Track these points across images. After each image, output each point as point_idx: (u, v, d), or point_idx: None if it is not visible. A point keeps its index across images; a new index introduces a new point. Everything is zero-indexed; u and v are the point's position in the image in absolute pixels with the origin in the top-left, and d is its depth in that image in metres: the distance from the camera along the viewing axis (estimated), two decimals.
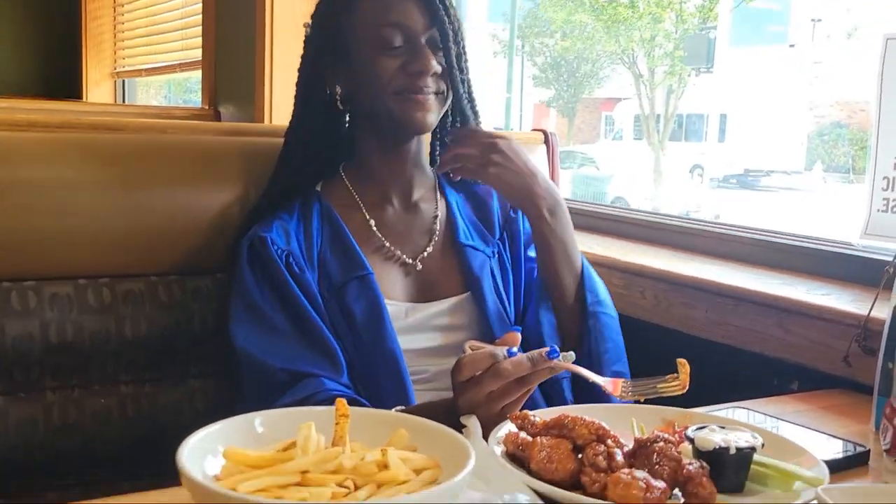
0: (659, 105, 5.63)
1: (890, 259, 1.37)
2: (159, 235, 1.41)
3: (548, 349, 1.00)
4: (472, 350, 1.04)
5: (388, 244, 1.36)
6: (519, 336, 1.07)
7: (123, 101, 4.73)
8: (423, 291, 1.36)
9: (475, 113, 1.42)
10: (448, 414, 1.04)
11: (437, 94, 1.32)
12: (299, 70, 1.41)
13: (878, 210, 1.49)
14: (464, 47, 1.37)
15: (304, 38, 1.41)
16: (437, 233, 1.40)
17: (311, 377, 1.20)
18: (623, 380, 1.06)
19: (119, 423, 1.36)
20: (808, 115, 5.56)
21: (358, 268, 1.31)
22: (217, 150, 1.48)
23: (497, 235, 1.44)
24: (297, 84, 1.42)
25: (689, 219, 1.84)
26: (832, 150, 5.33)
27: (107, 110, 3.44)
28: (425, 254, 1.38)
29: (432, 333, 1.34)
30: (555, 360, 1.00)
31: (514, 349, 1.03)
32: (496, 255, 1.42)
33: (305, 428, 0.84)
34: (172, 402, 1.41)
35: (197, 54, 3.37)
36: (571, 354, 1.02)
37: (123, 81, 4.75)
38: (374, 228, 1.37)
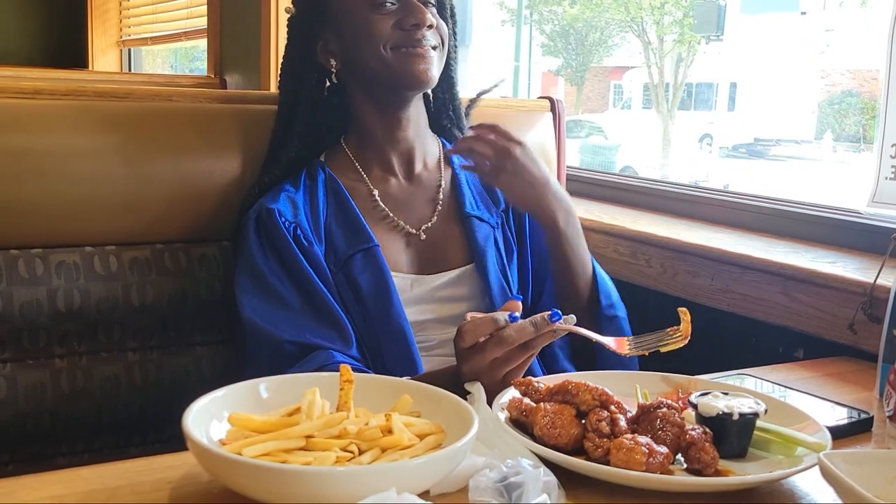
0: (668, 73, 5.58)
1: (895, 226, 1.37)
2: (165, 203, 1.41)
3: (549, 312, 1.00)
4: (473, 317, 1.04)
5: (391, 215, 1.36)
6: (520, 304, 1.07)
7: (129, 70, 4.71)
8: (428, 262, 1.36)
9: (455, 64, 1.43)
10: (453, 381, 1.05)
11: (434, 48, 1.31)
12: (286, 51, 1.41)
13: (886, 178, 1.47)
14: (453, 3, 1.39)
15: (287, 21, 1.41)
16: (441, 202, 1.39)
17: (320, 349, 1.21)
18: (627, 337, 1.06)
19: (126, 389, 1.37)
20: (818, 83, 5.51)
21: (363, 240, 1.31)
22: (223, 118, 1.48)
23: (501, 206, 1.44)
24: (285, 65, 1.41)
25: (695, 187, 1.83)
26: (842, 120, 5.29)
27: (112, 79, 3.43)
28: (429, 224, 1.38)
29: (436, 304, 1.34)
30: (557, 323, 1.00)
31: (517, 314, 1.03)
32: (500, 226, 1.41)
33: (310, 393, 0.85)
34: (179, 369, 1.41)
35: (202, 22, 3.35)
36: (572, 317, 1.02)
37: (129, 50, 4.73)
38: (378, 199, 1.36)
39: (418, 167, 1.41)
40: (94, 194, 1.36)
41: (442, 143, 1.46)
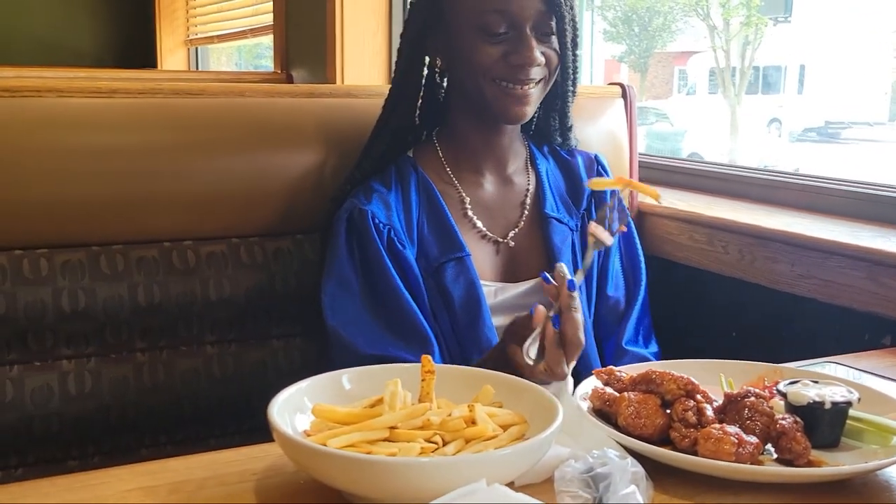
0: (734, 57, 5.46)
1: None
2: (239, 198, 1.43)
3: (567, 284, 1.07)
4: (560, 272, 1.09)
5: (480, 225, 1.36)
6: (542, 308, 1.08)
7: (197, 68, 4.80)
8: (512, 270, 1.37)
9: (574, 92, 1.40)
10: (500, 359, 1.10)
11: (538, 82, 1.30)
12: (402, 35, 1.40)
13: None
14: (576, 29, 1.33)
15: (409, 3, 1.41)
16: (528, 207, 1.40)
17: (401, 361, 1.21)
18: (590, 223, 1.14)
19: (206, 381, 1.40)
20: (891, 63, 5.33)
21: (456, 248, 1.31)
22: (293, 112, 1.49)
23: (583, 206, 1.44)
24: (399, 49, 1.40)
25: (770, 171, 1.79)
26: None
27: (182, 77, 3.49)
28: (516, 230, 1.38)
29: (518, 312, 1.30)
30: (575, 290, 1.08)
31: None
32: (578, 228, 1.42)
33: (392, 384, 0.85)
34: (256, 362, 1.43)
35: (267, 19, 3.39)
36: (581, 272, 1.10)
37: (196, 49, 4.82)
38: (469, 208, 1.36)
39: (509, 170, 1.41)
40: (171, 191, 1.39)
41: (529, 145, 1.46)
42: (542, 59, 1.27)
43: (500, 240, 1.37)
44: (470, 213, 1.36)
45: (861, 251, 1.34)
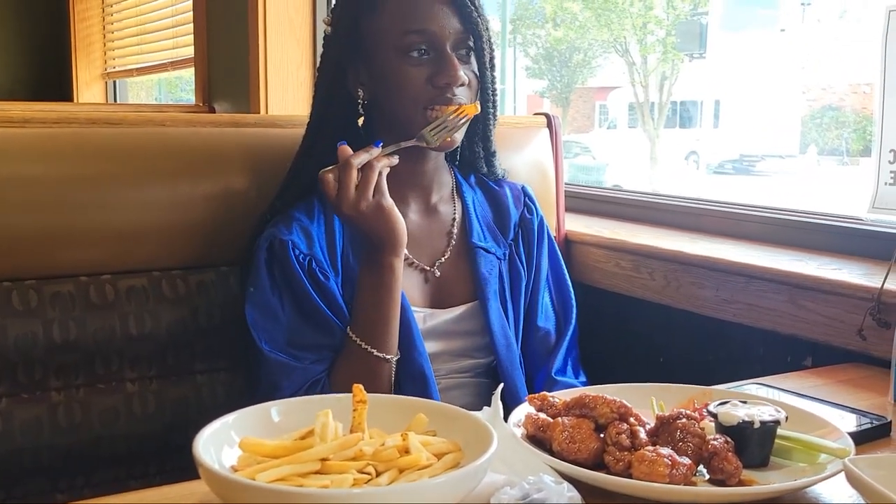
0: (653, 92, 5.61)
1: None
2: (161, 230, 1.39)
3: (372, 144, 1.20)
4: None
5: (406, 252, 1.33)
6: (347, 146, 1.22)
7: (115, 102, 4.70)
8: (440, 296, 1.37)
9: (495, 116, 1.41)
10: (366, 258, 1.24)
11: (467, 102, 1.29)
12: (319, 68, 1.39)
13: (886, 183, 1.47)
14: (493, 50, 1.33)
15: (324, 35, 1.38)
16: (455, 236, 1.40)
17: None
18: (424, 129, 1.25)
19: (126, 420, 1.34)
20: (800, 98, 5.54)
21: None
22: (216, 142, 1.46)
23: (510, 236, 1.44)
24: (317, 83, 1.39)
25: (692, 198, 1.82)
26: (825, 133, 5.32)
27: (99, 110, 3.41)
28: (443, 259, 1.38)
29: (445, 339, 1.36)
30: (379, 146, 1.21)
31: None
32: (507, 257, 1.42)
33: (323, 415, 0.83)
34: (178, 399, 1.39)
35: (188, 52, 3.35)
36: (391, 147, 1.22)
37: (115, 82, 4.72)
38: None
39: (434, 200, 1.40)
40: (88, 223, 1.34)
41: (455, 174, 1.45)
42: (465, 78, 1.27)
43: (427, 268, 1.37)
44: None
45: (781, 275, 1.37)
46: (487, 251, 1.40)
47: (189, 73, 3.39)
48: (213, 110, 3.06)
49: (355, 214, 1.20)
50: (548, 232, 1.50)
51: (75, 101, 4.52)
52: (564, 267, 1.51)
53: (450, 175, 1.44)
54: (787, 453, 0.89)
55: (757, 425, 0.87)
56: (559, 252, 1.52)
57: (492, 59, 1.33)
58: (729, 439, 0.86)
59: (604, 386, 1.03)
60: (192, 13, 3.23)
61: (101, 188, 1.35)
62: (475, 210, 1.43)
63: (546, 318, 1.45)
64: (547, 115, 1.76)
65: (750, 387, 1.14)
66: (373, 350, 1.25)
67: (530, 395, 0.96)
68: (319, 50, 2.73)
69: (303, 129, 1.45)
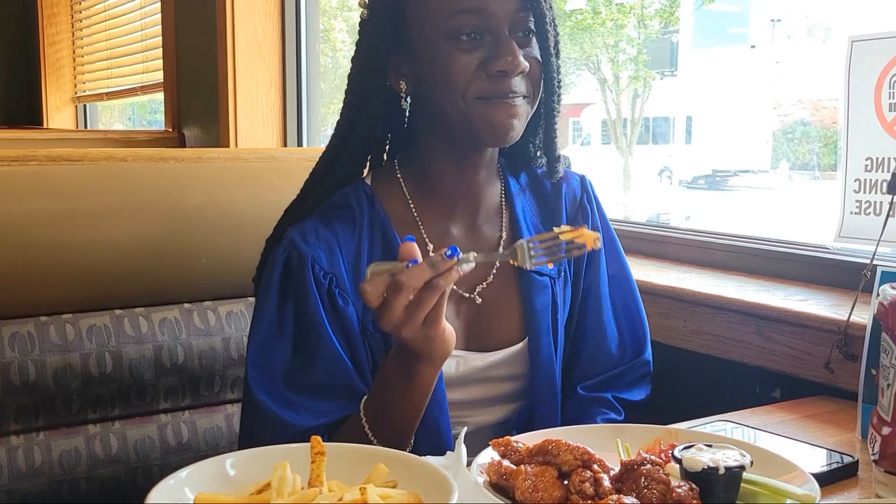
0: (625, 109, 5.63)
1: (864, 261, 1.36)
2: (124, 268, 1.37)
3: (447, 249, 0.94)
4: (374, 273, 0.97)
5: None
6: (413, 246, 0.96)
7: (86, 125, 4.66)
8: (480, 334, 1.19)
9: (559, 108, 1.19)
10: (399, 362, 1.01)
11: (525, 97, 1.11)
12: (353, 59, 1.17)
13: (851, 212, 1.48)
14: (557, 32, 1.14)
15: (359, 21, 1.17)
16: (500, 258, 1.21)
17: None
18: (523, 242, 1.00)
19: (87, 463, 1.32)
20: (771, 114, 5.59)
21: None
22: (181, 178, 1.44)
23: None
24: (351, 76, 1.17)
25: (660, 226, 1.82)
26: (797, 148, 5.36)
27: (67, 137, 3.38)
28: (485, 284, 1.19)
29: (486, 385, 1.19)
30: (456, 258, 0.95)
31: (416, 259, 0.95)
32: (561, 276, 1.24)
33: (280, 468, 0.81)
34: (141, 439, 1.36)
35: (159, 76, 3.33)
36: (472, 254, 0.96)
37: (85, 106, 4.68)
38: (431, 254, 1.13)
39: (481, 214, 1.21)
40: (48, 262, 1.32)
41: (505, 176, 1.26)
42: (525, 65, 1.08)
43: (466, 295, 1.18)
44: None
45: (748, 306, 1.37)
46: (540, 274, 1.20)
47: (161, 97, 3.37)
48: (182, 136, 3.03)
49: (394, 334, 0.99)
50: (608, 230, 1.30)
51: (45, 125, 4.48)
52: (633, 280, 1.31)
53: (499, 179, 1.25)
54: (753, 498, 0.88)
55: (722, 471, 0.86)
56: (622, 255, 1.32)
57: (556, 42, 1.14)
58: (694, 486, 0.85)
59: (568, 428, 1.02)
60: (161, 38, 3.21)
61: (62, 226, 1.33)
62: (525, 221, 1.24)
63: (611, 340, 1.27)
64: None
65: (715, 424, 1.13)
66: (376, 442, 1.05)
67: (494, 440, 0.94)
68: (289, 75, 2.76)
69: (267, 164, 1.44)
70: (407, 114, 1.20)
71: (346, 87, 1.19)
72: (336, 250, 1.12)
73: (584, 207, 1.29)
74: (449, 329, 1.01)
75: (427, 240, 1.18)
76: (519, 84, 1.10)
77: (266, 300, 1.12)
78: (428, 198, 1.19)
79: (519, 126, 1.11)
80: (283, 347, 1.11)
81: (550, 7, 1.13)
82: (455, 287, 1.16)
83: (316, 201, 1.18)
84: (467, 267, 0.96)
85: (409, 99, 1.17)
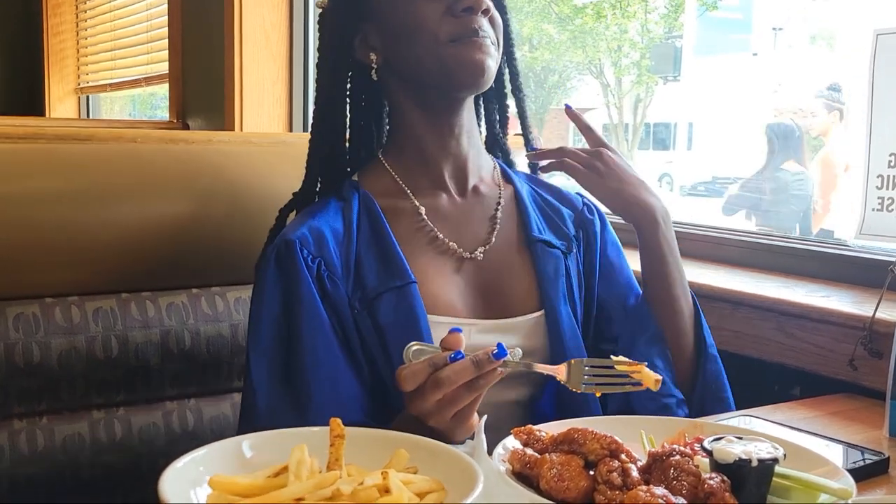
0: (627, 114, 5.63)
1: (887, 258, 1.34)
2: (130, 251, 1.34)
3: (494, 350, 0.91)
4: (414, 359, 0.94)
5: (441, 236, 1.16)
6: (461, 337, 0.94)
7: (88, 117, 4.63)
8: (489, 300, 1.16)
9: (522, 92, 1.27)
10: (415, 425, 0.96)
11: (493, 41, 1.14)
12: (319, 50, 1.23)
13: (873, 209, 1.45)
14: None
15: (319, 17, 1.24)
16: (500, 222, 1.21)
17: None
18: (577, 361, 0.95)
19: (90, 449, 1.29)
20: (772, 121, 5.60)
21: (397, 275, 1.11)
22: (189, 160, 1.42)
23: (572, 233, 1.25)
24: (318, 66, 1.23)
25: (679, 223, 1.79)
26: None
27: (71, 125, 3.35)
28: (487, 246, 1.18)
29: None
30: (504, 359, 0.91)
31: (461, 352, 0.92)
32: (572, 253, 1.23)
33: (298, 451, 0.78)
34: (146, 426, 1.33)
35: (163, 68, 3.30)
36: (519, 351, 0.94)
37: (87, 98, 4.65)
38: (425, 218, 1.17)
39: (473, 180, 1.22)
40: (55, 242, 1.29)
41: (496, 161, 1.29)
42: (488, 4, 1.13)
43: (468, 255, 1.17)
44: (427, 224, 1.17)
45: (768, 302, 1.35)
46: (551, 245, 1.20)
47: (163, 90, 3.35)
48: (186, 127, 3.01)
49: (422, 420, 0.95)
50: (611, 238, 1.30)
51: (47, 115, 4.45)
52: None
53: (491, 160, 1.27)
54: (785, 493, 0.85)
55: (755, 463, 0.83)
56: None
57: (505, 3, 1.20)
58: (725, 478, 0.82)
59: (591, 419, 0.99)
60: (167, 29, 3.18)
61: (69, 206, 1.30)
62: (528, 198, 1.24)
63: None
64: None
65: (740, 419, 1.11)
66: None
67: (515, 429, 0.91)
68: (296, 65, 2.73)
69: (278, 148, 1.41)
70: (383, 95, 1.22)
71: (315, 76, 1.23)
72: (325, 234, 1.13)
73: (589, 206, 1.30)
74: (472, 424, 0.98)
75: (417, 204, 1.18)
76: (486, 25, 1.13)
77: (261, 293, 1.12)
78: (414, 169, 1.20)
79: (491, 67, 1.13)
80: (276, 340, 1.10)
81: None
82: (455, 246, 1.17)
83: (305, 199, 1.21)
84: (509, 369, 0.93)
85: (378, 74, 1.18)
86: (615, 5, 4.94)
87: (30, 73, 4.63)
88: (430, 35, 1.11)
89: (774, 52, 5.36)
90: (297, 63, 2.73)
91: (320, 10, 1.23)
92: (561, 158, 1.23)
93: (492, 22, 1.15)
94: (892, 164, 1.44)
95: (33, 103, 4.55)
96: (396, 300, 1.10)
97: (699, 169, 6.19)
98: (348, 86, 1.21)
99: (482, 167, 1.24)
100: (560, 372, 0.95)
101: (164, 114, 3.26)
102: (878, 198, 1.45)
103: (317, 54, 1.24)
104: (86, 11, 4.49)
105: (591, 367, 0.95)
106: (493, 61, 1.14)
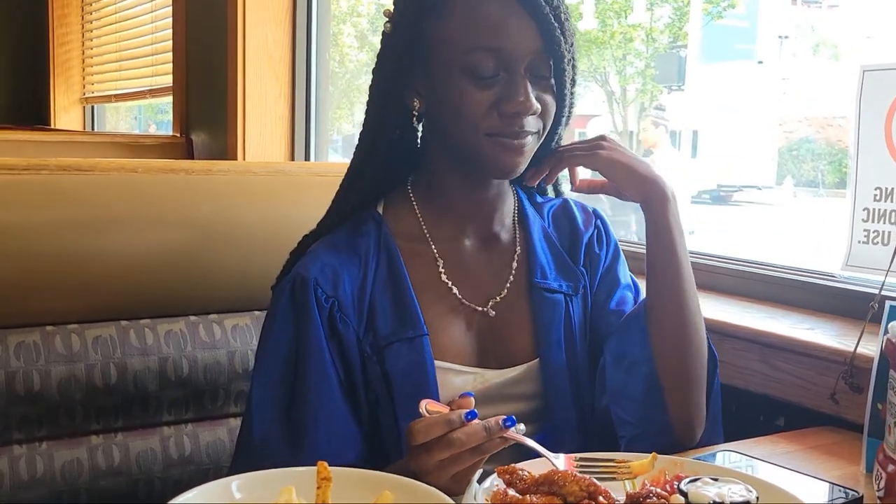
0: (631, 122, 5.66)
1: (871, 291, 1.36)
2: (130, 279, 1.37)
3: (504, 418, 0.93)
4: (429, 412, 0.96)
5: (455, 291, 1.17)
6: (472, 401, 0.96)
7: (93, 125, 4.67)
8: (495, 349, 1.18)
9: (563, 130, 1.22)
10: (409, 474, 0.95)
11: (535, 133, 1.12)
12: (375, 71, 1.18)
13: (859, 241, 1.48)
14: (576, 69, 1.15)
15: (382, 34, 1.17)
16: (514, 271, 1.21)
17: None
18: (574, 456, 0.98)
19: (89, 475, 1.32)
20: (777, 130, 5.61)
21: (410, 325, 1.12)
22: (190, 190, 1.44)
23: (581, 262, 1.25)
24: (372, 88, 1.18)
25: None
26: (801, 165, 5.37)
27: (75, 140, 3.38)
28: (499, 298, 1.19)
29: (501, 404, 1.16)
30: (510, 431, 0.94)
31: (475, 412, 0.94)
32: (580, 290, 1.23)
33: (286, 492, 0.81)
34: (144, 452, 1.36)
35: (167, 80, 3.33)
36: (523, 427, 0.96)
37: (93, 107, 4.69)
38: (442, 272, 1.18)
39: (495, 228, 1.22)
40: (55, 272, 1.32)
41: (517, 193, 1.27)
42: (538, 107, 1.09)
43: (479, 308, 1.18)
44: (444, 277, 1.17)
45: (753, 334, 1.37)
46: (551, 291, 1.20)
47: (169, 99, 3.37)
48: (190, 141, 3.04)
49: (420, 475, 0.94)
50: (622, 262, 1.29)
51: (52, 125, 4.49)
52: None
53: (513, 198, 1.26)
54: None
55: None
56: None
57: (573, 79, 1.15)
58: None
59: (574, 455, 1.02)
60: (171, 42, 3.22)
61: (70, 236, 1.33)
62: (539, 239, 1.24)
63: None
64: None
65: (720, 454, 1.13)
66: None
67: (499, 468, 0.94)
68: (298, 83, 2.76)
69: (277, 178, 1.44)
70: (419, 133, 1.21)
71: (367, 100, 1.19)
72: (341, 276, 1.12)
73: (599, 234, 1.29)
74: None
75: (436, 253, 1.18)
76: (531, 123, 1.10)
77: (271, 326, 1.13)
78: (439, 216, 1.20)
79: (522, 161, 1.12)
80: (286, 375, 1.11)
81: (571, 45, 1.13)
82: (469, 302, 1.17)
83: (340, 217, 1.19)
84: (511, 440, 0.95)
85: (420, 120, 1.18)
86: (620, 16, 4.97)
87: (35, 82, 4.67)
88: (472, 123, 1.09)
89: (780, 61, 5.37)
90: (300, 82, 2.76)
91: (384, 30, 1.17)
92: (560, 160, 1.19)
93: (543, 114, 1.11)
94: (878, 197, 1.47)
95: (39, 113, 4.59)
96: (407, 351, 1.11)
97: (704, 177, 6.20)
98: (399, 114, 1.17)
99: (506, 214, 1.24)
100: (556, 460, 0.97)
101: (170, 118, 3.28)
102: (864, 230, 1.48)
103: (373, 72, 1.19)
104: (91, 22, 4.53)
105: (591, 469, 0.96)
106: (526, 157, 1.12)
